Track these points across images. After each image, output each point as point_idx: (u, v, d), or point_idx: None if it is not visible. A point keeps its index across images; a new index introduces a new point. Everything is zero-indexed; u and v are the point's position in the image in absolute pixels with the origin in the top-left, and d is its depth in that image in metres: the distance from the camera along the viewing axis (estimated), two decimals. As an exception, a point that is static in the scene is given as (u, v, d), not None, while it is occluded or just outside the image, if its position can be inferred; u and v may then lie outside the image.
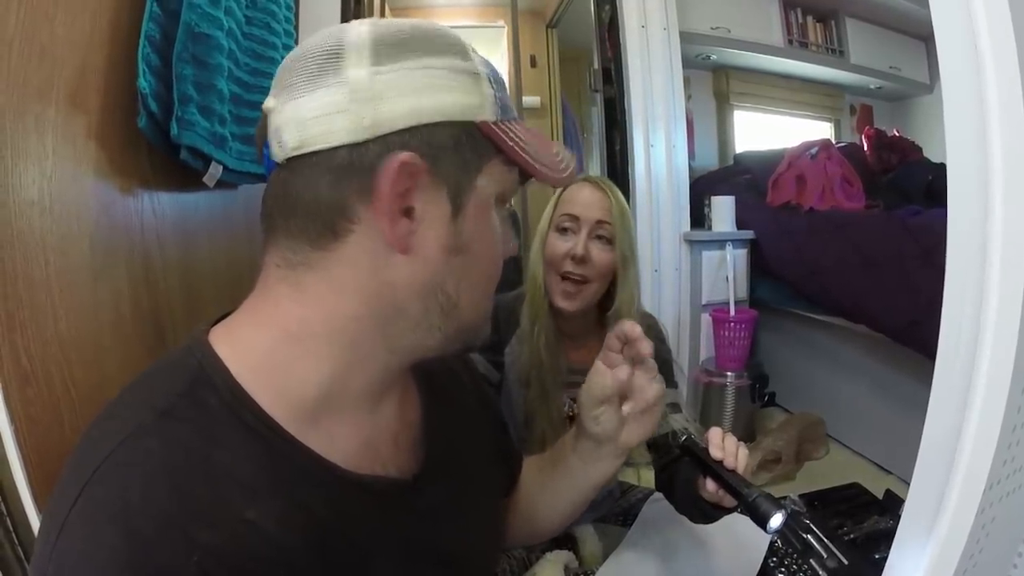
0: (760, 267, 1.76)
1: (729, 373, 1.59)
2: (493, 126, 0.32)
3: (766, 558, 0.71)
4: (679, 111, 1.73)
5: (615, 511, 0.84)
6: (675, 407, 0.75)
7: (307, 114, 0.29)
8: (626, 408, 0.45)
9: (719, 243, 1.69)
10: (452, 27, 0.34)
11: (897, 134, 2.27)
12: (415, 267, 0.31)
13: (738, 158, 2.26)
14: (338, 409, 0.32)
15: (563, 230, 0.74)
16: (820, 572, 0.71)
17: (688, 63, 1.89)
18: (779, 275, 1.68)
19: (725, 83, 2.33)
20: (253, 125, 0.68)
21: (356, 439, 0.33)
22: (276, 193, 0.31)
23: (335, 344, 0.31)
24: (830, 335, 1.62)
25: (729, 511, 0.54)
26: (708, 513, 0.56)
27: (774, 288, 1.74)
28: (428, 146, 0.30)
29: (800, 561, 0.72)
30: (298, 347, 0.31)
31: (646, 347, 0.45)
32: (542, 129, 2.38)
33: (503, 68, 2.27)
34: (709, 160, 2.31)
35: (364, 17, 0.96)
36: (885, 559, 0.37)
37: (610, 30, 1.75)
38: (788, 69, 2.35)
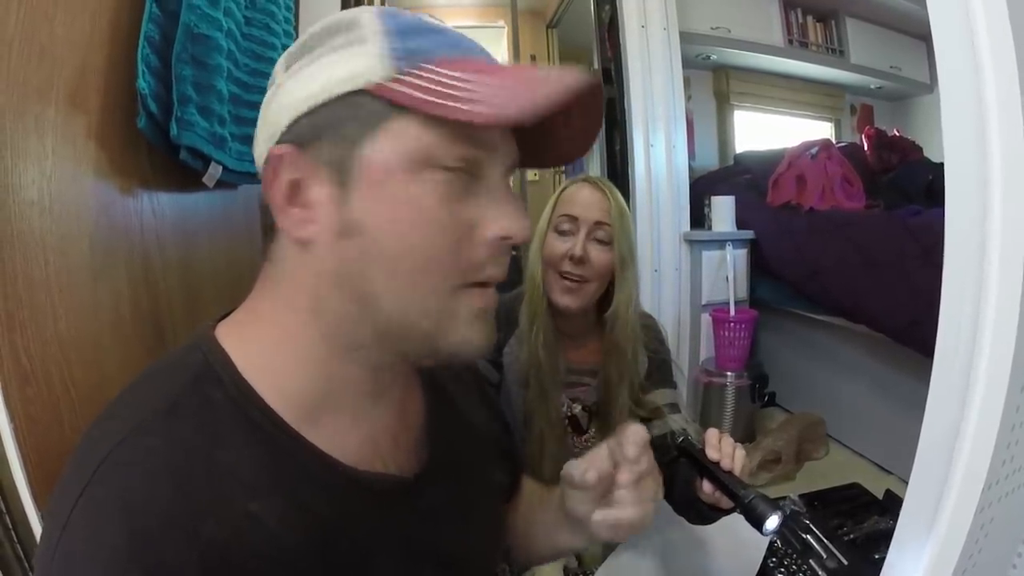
0: (760, 267, 1.76)
1: (729, 373, 1.59)
2: (389, 84, 0.28)
3: (765, 558, 0.71)
4: (679, 111, 1.73)
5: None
6: (674, 407, 0.76)
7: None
8: (596, 515, 0.39)
9: (719, 243, 1.69)
10: (452, 28, 0.32)
11: (897, 134, 2.27)
12: (319, 255, 0.30)
13: (738, 158, 2.26)
14: (336, 406, 0.32)
15: (562, 231, 0.74)
16: (820, 572, 0.70)
17: (688, 63, 1.89)
18: (779, 275, 1.68)
19: (725, 83, 2.33)
20: (252, 125, 0.68)
21: (357, 437, 0.34)
22: None
23: (305, 340, 0.32)
24: (830, 335, 1.62)
25: (727, 512, 0.54)
26: (705, 514, 0.56)
27: (774, 288, 1.74)
28: (299, 134, 0.30)
29: (800, 561, 0.72)
30: (289, 344, 0.31)
31: (630, 459, 0.38)
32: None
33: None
34: (709, 160, 2.31)
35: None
36: (885, 559, 0.37)
37: (610, 30, 1.75)
38: (788, 69, 2.35)
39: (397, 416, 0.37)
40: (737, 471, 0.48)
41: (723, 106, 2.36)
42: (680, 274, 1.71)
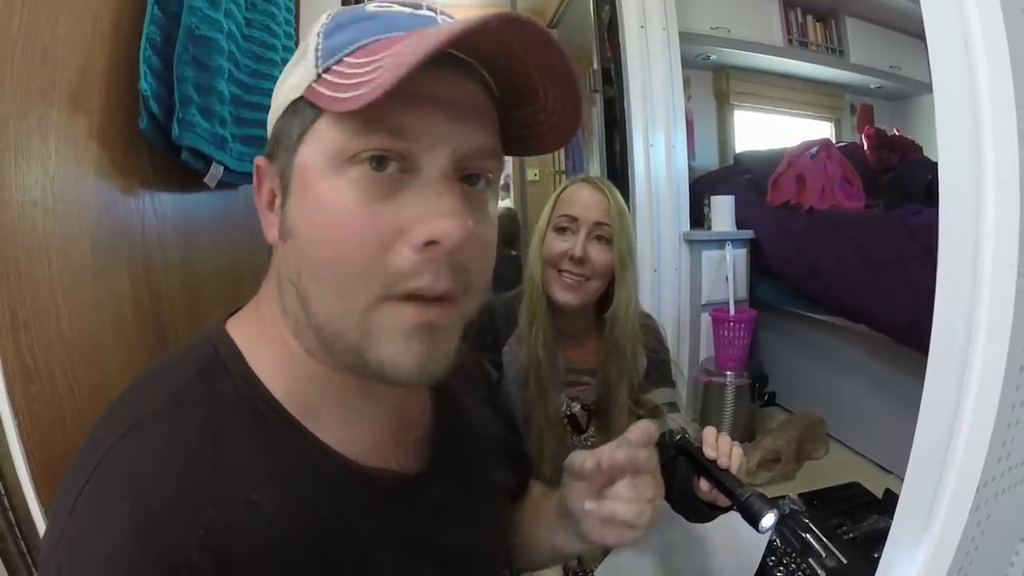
0: (760, 267, 1.76)
1: (729, 373, 1.59)
2: (314, 86, 0.28)
3: (765, 557, 0.71)
4: (679, 111, 1.73)
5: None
6: (673, 407, 0.76)
7: None
8: (588, 505, 0.38)
9: (719, 243, 1.69)
10: (400, 10, 0.30)
11: (897, 133, 2.27)
12: (278, 257, 0.32)
13: (738, 158, 2.26)
14: (333, 404, 0.33)
15: (562, 230, 0.75)
16: (819, 571, 0.71)
17: (688, 63, 1.89)
18: (779, 275, 1.68)
19: (725, 83, 2.33)
20: (253, 126, 0.68)
21: (358, 433, 0.34)
22: None
23: (289, 339, 0.32)
24: (830, 335, 1.62)
25: (724, 511, 0.54)
26: (703, 513, 0.56)
27: (774, 288, 1.74)
28: (271, 144, 0.31)
29: (799, 560, 0.72)
30: (280, 341, 0.32)
31: (631, 452, 0.37)
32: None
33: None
34: (709, 160, 2.31)
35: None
36: (882, 557, 0.37)
37: (610, 30, 1.75)
38: (788, 69, 2.35)
39: (399, 415, 0.37)
40: (734, 469, 0.48)
41: (723, 106, 2.36)
42: (680, 274, 1.71)
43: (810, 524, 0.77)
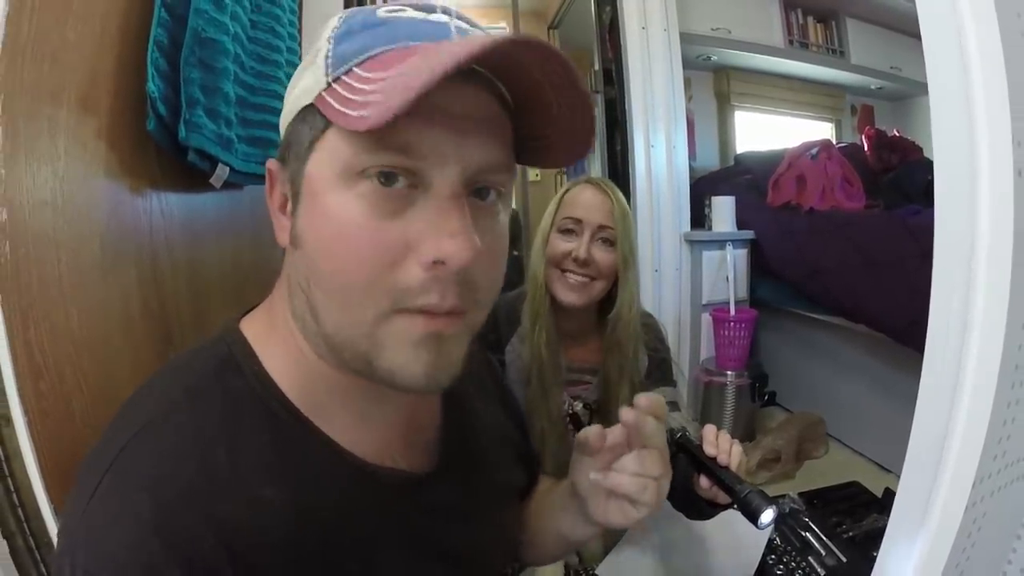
0: (760, 267, 1.76)
1: (729, 372, 1.59)
2: (324, 94, 0.28)
3: (765, 555, 0.71)
4: (680, 112, 1.73)
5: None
6: (673, 406, 0.76)
7: None
8: (592, 475, 0.38)
9: (719, 243, 1.69)
10: (410, 16, 0.30)
11: (897, 134, 2.27)
12: (289, 262, 0.32)
13: (739, 158, 2.26)
14: (341, 404, 0.33)
15: (566, 231, 0.75)
16: (819, 569, 0.71)
17: (689, 64, 1.90)
18: (779, 275, 1.69)
19: (726, 83, 2.33)
20: (258, 127, 0.69)
21: (366, 433, 0.34)
22: None
23: (299, 339, 0.33)
24: (830, 335, 1.63)
25: (724, 508, 0.55)
26: (703, 510, 0.57)
27: (774, 288, 1.74)
28: (283, 148, 0.31)
29: (799, 558, 0.72)
30: (291, 341, 0.33)
31: (635, 422, 0.37)
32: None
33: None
34: (710, 160, 2.31)
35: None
36: (880, 555, 0.38)
37: (611, 31, 1.76)
38: (789, 69, 2.35)
39: (409, 416, 0.38)
40: (734, 467, 0.49)
41: (724, 106, 2.37)
42: (680, 274, 1.72)
43: (810, 523, 0.77)
